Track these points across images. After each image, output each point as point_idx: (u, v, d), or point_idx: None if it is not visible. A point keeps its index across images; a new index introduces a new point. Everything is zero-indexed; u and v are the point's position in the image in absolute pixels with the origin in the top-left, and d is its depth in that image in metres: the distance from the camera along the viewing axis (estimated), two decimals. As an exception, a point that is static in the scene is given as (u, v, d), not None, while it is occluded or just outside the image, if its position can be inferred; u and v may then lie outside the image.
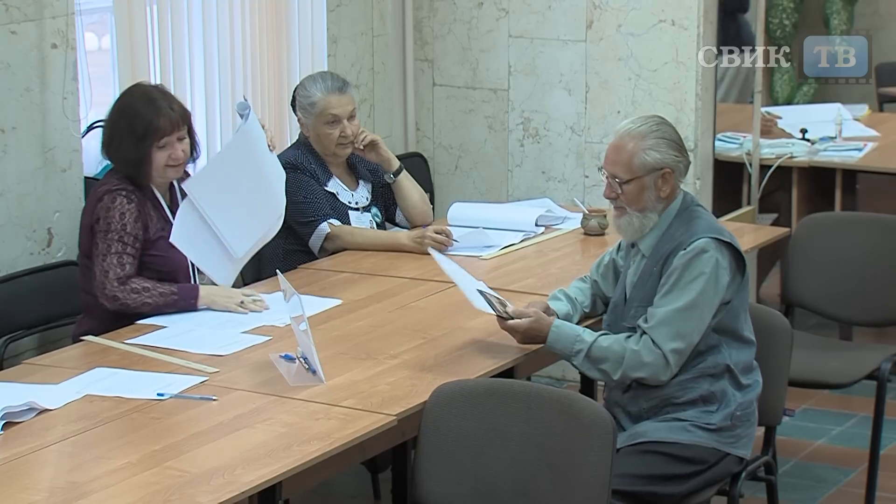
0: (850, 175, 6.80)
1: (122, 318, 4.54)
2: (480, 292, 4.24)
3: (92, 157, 5.15)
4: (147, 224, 4.60)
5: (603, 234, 5.55)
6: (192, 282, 4.78)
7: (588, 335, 4.05)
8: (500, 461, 3.84)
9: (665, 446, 4.05)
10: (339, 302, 4.82)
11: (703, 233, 4.19)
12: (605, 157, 4.27)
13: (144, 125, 4.58)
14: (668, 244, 4.17)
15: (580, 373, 4.99)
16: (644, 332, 4.11)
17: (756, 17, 7.15)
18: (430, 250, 4.38)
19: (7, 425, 3.68)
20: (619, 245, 4.50)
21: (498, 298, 4.23)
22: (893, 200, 6.65)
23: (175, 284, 4.63)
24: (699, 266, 4.04)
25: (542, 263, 5.22)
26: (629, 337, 4.16)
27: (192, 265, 4.79)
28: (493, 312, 4.21)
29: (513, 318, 4.15)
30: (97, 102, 5.34)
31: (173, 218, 4.69)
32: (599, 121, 6.37)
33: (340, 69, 5.98)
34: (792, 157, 6.97)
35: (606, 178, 4.25)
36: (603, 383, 4.37)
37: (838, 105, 7.99)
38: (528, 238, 5.48)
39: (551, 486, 3.82)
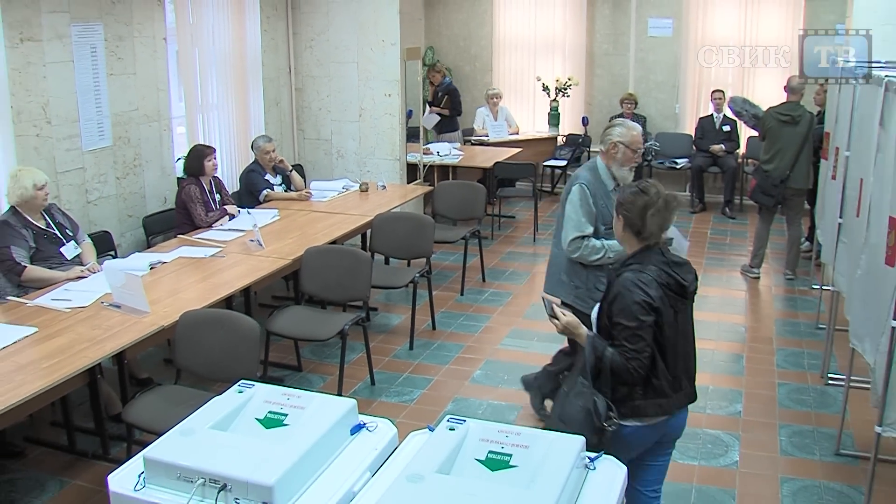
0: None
1: (196, 228, 4.76)
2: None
3: (178, 169, 5.50)
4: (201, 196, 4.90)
5: (367, 192, 5.87)
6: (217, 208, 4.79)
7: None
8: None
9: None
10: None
11: None
12: (642, 139, 3.45)
13: (200, 153, 5.02)
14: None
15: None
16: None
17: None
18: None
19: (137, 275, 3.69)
20: (592, 196, 3.46)
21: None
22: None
23: (216, 210, 4.84)
24: None
25: (346, 201, 5.66)
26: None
27: (211, 204, 4.68)
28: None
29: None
30: (179, 152, 5.65)
31: (211, 198, 4.85)
32: (368, 151, 6.67)
33: (270, 132, 6.37)
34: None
35: (639, 152, 3.44)
36: None
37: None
38: (340, 193, 5.94)
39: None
